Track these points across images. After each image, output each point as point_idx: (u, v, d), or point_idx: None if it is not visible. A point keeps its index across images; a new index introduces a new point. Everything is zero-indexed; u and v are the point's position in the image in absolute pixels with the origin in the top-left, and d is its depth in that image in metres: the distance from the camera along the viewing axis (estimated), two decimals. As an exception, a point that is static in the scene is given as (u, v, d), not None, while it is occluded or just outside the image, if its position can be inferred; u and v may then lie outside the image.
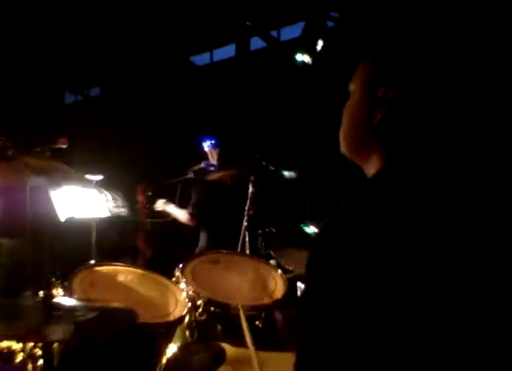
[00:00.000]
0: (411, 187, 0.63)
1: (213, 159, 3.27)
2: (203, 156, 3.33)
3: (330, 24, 3.50)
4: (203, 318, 1.67)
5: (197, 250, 3.14)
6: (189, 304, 1.68)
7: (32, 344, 1.56)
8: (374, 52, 0.72)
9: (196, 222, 3.19)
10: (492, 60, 0.67)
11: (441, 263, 0.57)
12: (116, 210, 3.00)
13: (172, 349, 1.54)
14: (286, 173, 2.71)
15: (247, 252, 2.74)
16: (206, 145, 3.31)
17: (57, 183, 2.69)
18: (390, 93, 0.68)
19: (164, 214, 3.39)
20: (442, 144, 0.67)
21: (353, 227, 0.60)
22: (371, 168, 0.71)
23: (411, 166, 0.66)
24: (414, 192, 0.62)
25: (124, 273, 1.83)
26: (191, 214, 3.16)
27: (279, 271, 1.99)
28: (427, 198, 0.61)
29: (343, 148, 0.76)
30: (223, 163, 3.19)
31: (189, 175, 3.29)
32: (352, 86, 0.74)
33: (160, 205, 3.37)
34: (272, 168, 2.76)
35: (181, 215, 3.23)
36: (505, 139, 0.70)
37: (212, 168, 3.20)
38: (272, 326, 1.73)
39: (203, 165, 3.25)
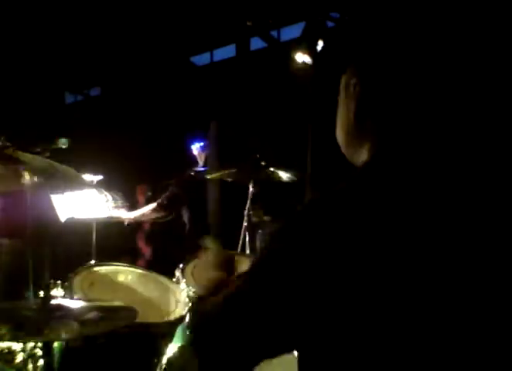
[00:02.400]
0: (392, 181, 0.62)
1: (201, 162, 3.26)
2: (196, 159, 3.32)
3: (330, 24, 3.50)
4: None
5: (186, 232, 3.16)
6: (190, 304, 1.68)
7: (32, 344, 1.56)
8: (353, 53, 0.72)
9: (165, 213, 3.17)
10: (469, 50, 0.67)
11: (428, 256, 0.56)
12: (116, 211, 3.00)
13: (172, 349, 1.54)
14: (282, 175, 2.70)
15: (247, 252, 2.74)
16: (195, 148, 3.30)
17: (58, 186, 2.69)
18: (358, 85, 0.68)
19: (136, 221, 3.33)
20: (419, 133, 0.66)
21: (337, 217, 0.58)
22: (360, 161, 0.71)
23: (392, 159, 0.65)
24: (395, 186, 0.61)
25: (124, 273, 1.83)
26: (160, 204, 3.14)
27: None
28: (408, 192, 0.60)
29: (341, 148, 0.76)
30: (209, 166, 3.18)
31: (189, 175, 3.28)
32: (343, 80, 0.74)
33: (126, 216, 3.24)
34: (272, 169, 2.75)
35: (146, 208, 3.20)
36: (481, 127, 0.69)
37: (200, 169, 3.19)
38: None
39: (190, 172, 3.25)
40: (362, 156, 0.70)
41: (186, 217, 3.23)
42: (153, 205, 3.18)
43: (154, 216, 3.20)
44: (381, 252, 0.55)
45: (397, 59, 0.65)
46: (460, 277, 0.56)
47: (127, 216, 3.17)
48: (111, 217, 3.07)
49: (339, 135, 0.75)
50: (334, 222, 0.57)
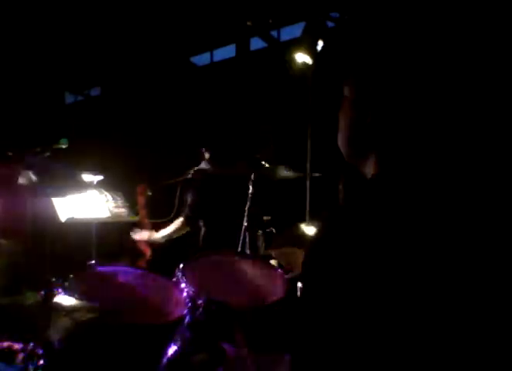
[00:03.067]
0: (405, 193, 0.63)
1: (206, 159, 3.26)
2: (201, 157, 3.33)
3: (330, 24, 3.50)
4: (204, 318, 1.67)
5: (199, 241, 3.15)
6: (190, 304, 1.68)
7: (32, 344, 1.56)
8: (365, 56, 0.72)
9: (192, 226, 3.15)
10: (476, 59, 0.67)
11: (436, 268, 0.57)
12: (116, 211, 3.00)
13: (172, 349, 1.54)
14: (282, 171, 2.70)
15: (247, 252, 2.74)
16: (202, 147, 3.31)
17: (58, 185, 2.69)
18: (355, 95, 0.68)
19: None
20: (434, 145, 0.67)
21: (349, 231, 0.60)
22: (368, 172, 0.71)
23: (403, 170, 0.66)
24: (408, 197, 0.62)
25: (124, 273, 1.83)
26: (186, 217, 3.11)
27: (279, 271, 1.99)
28: (421, 203, 0.61)
29: (343, 153, 0.76)
30: (214, 165, 3.18)
31: (189, 176, 3.29)
32: (346, 90, 0.74)
33: (154, 238, 3.24)
34: (271, 168, 2.75)
35: (174, 226, 3.15)
36: (489, 137, 0.69)
37: (204, 167, 3.19)
38: (272, 327, 1.73)
39: (203, 165, 3.25)
40: (367, 167, 0.70)
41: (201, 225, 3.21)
42: (180, 220, 3.12)
43: (184, 231, 3.16)
44: (397, 264, 0.57)
45: (394, 68, 0.65)
46: (471, 287, 0.57)
47: (157, 237, 3.17)
48: (144, 239, 3.14)
49: (341, 144, 0.75)
50: (353, 243, 0.59)
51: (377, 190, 0.65)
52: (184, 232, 3.19)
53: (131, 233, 3.18)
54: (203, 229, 3.17)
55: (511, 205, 0.62)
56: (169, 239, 3.28)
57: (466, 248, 0.58)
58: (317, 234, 0.65)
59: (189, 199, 3.19)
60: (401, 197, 0.62)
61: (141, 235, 3.19)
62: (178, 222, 3.15)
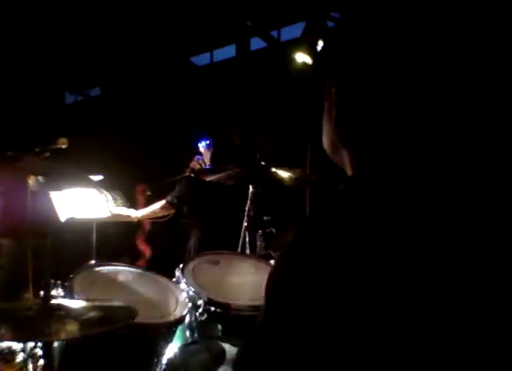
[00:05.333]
0: (382, 193, 0.61)
1: (207, 160, 3.26)
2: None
3: (330, 24, 3.50)
4: (204, 318, 1.67)
5: (188, 248, 3.15)
6: (190, 304, 1.69)
7: (32, 344, 1.56)
8: (332, 58, 0.71)
9: (173, 210, 3.16)
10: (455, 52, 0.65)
11: (415, 269, 0.56)
12: (124, 209, 3.00)
13: (172, 349, 1.54)
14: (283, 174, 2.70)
15: (247, 252, 2.74)
16: (201, 146, 3.31)
17: (58, 185, 2.69)
18: (336, 93, 0.68)
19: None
20: (402, 142, 0.65)
21: (320, 238, 0.59)
22: (348, 172, 0.71)
23: (377, 170, 0.64)
24: (386, 198, 0.60)
25: (124, 273, 1.83)
26: (169, 202, 3.13)
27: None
28: (400, 203, 0.59)
29: (328, 154, 0.76)
30: (215, 164, 3.18)
31: (187, 174, 3.28)
32: (328, 90, 0.74)
33: (135, 214, 3.18)
34: (273, 169, 2.75)
35: (153, 207, 3.17)
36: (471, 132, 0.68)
37: (206, 167, 3.20)
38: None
39: (197, 159, 3.26)
40: (347, 165, 0.70)
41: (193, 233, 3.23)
42: (162, 202, 3.16)
43: (163, 213, 3.18)
44: (380, 263, 0.56)
45: (377, 66, 0.64)
46: (462, 286, 0.56)
47: (136, 214, 3.16)
48: (119, 215, 3.08)
49: (325, 143, 0.75)
50: (329, 243, 0.58)
51: (350, 193, 0.63)
52: (162, 214, 3.19)
53: (111, 211, 3.03)
54: (202, 230, 3.18)
55: (504, 208, 0.61)
56: (168, 240, 3.28)
57: (452, 254, 0.57)
58: (289, 243, 0.63)
59: (178, 187, 3.19)
60: (377, 199, 0.60)
61: (119, 210, 3.11)
62: (158, 204, 3.16)
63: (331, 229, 0.59)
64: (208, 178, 2.92)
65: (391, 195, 0.60)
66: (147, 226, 4.31)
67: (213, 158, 3.23)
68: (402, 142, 0.64)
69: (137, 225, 3.75)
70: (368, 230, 0.57)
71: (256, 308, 1.71)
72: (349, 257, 0.56)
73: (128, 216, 3.12)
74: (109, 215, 2.89)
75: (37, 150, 2.50)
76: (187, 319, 1.68)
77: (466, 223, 0.58)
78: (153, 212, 3.19)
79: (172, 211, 3.17)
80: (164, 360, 1.50)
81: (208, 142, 3.28)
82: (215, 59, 6.03)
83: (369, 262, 0.55)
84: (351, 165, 0.68)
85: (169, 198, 3.15)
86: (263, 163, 2.74)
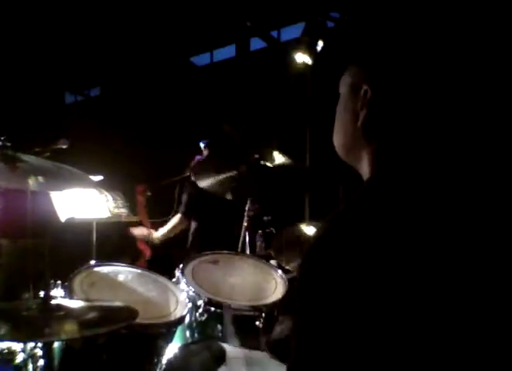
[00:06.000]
0: (404, 193, 0.62)
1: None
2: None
3: (330, 24, 3.50)
4: (204, 318, 1.67)
5: (188, 248, 3.15)
6: (190, 304, 1.69)
7: (32, 344, 1.56)
8: (359, 54, 0.71)
9: (188, 222, 3.19)
10: (478, 59, 0.66)
11: (439, 270, 0.56)
12: (116, 211, 3.00)
13: (172, 349, 1.54)
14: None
15: (247, 252, 2.74)
16: (203, 146, 3.32)
17: (58, 184, 2.68)
18: (369, 92, 0.67)
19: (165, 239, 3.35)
20: (430, 144, 0.66)
21: (348, 234, 0.59)
22: (364, 171, 0.71)
23: (400, 170, 0.65)
24: (407, 197, 0.61)
25: (124, 273, 1.82)
26: (183, 213, 3.15)
27: (279, 271, 1.99)
28: (420, 203, 0.60)
29: (338, 152, 0.76)
30: (212, 163, 3.17)
31: (187, 174, 3.28)
32: (341, 89, 0.74)
33: (156, 236, 3.24)
34: (272, 167, 2.75)
35: (171, 224, 3.19)
36: (490, 137, 0.69)
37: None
38: (272, 327, 1.73)
39: (197, 159, 3.26)
40: (364, 165, 0.70)
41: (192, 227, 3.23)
42: (177, 217, 3.17)
43: (181, 227, 3.20)
44: (400, 268, 0.56)
45: (412, 67, 0.65)
46: (474, 289, 0.56)
47: (156, 235, 3.20)
48: (139, 235, 3.15)
49: (339, 140, 0.74)
50: (354, 247, 0.58)
51: (376, 192, 0.64)
52: (181, 228, 3.21)
53: (131, 229, 3.21)
54: (201, 229, 3.18)
55: None
56: (166, 239, 3.29)
57: (469, 250, 0.58)
58: (316, 237, 0.64)
59: (185, 196, 3.20)
60: (400, 199, 0.61)
61: (141, 230, 3.20)
62: (175, 220, 3.19)
63: (359, 226, 0.59)
64: (203, 185, 2.88)
65: (415, 198, 0.61)
66: (147, 227, 4.30)
67: (208, 158, 3.23)
68: (429, 142, 0.66)
69: (137, 225, 3.74)
70: (394, 233, 0.58)
71: (256, 308, 1.71)
72: (376, 259, 0.56)
73: (148, 236, 3.17)
74: (117, 219, 2.94)
75: (37, 150, 2.49)
76: (187, 319, 1.68)
77: (491, 228, 0.59)
78: (173, 229, 3.20)
79: (188, 222, 3.19)
80: (164, 360, 1.50)
81: (207, 142, 3.28)
82: (215, 59, 6.03)
83: (398, 264, 0.56)
84: (371, 163, 0.69)
85: (182, 210, 3.16)
86: (262, 163, 2.74)
